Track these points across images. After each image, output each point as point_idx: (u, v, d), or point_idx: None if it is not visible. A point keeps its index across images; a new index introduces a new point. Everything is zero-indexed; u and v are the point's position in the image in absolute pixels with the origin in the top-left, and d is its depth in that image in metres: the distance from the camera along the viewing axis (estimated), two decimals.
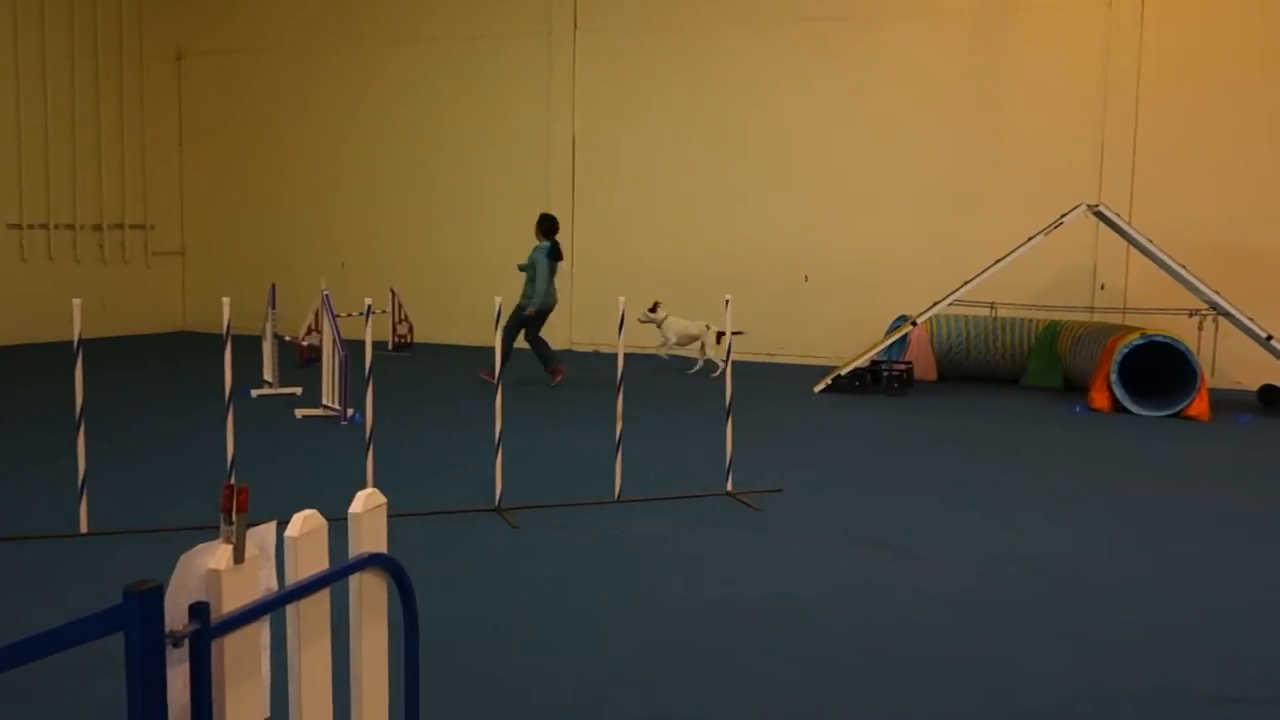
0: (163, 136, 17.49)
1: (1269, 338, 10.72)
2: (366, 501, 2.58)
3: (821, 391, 11.69)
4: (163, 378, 12.43)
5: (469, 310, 15.02)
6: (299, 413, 9.56)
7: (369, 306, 6.52)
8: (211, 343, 9.07)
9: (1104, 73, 13.14)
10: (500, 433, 6.45)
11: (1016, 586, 5.28)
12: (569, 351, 15.48)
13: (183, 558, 2.10)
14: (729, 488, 6.97)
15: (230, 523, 2.19)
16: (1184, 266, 11.04)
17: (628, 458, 6.86)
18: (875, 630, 4.64)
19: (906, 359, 12.39)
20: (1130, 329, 11.22)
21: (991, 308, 12.30)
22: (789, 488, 7.16)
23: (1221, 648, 4.52)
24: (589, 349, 15.43)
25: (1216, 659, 4.39)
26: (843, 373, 11.77)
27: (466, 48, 15.96)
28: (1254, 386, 11.91)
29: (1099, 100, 13.17)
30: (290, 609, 2.37)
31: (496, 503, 6.45)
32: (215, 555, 2.15)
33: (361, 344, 6.43)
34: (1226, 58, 12.76)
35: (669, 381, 12.43)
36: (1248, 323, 10.81)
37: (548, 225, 11.82)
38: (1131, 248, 11.93)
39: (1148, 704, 3.94)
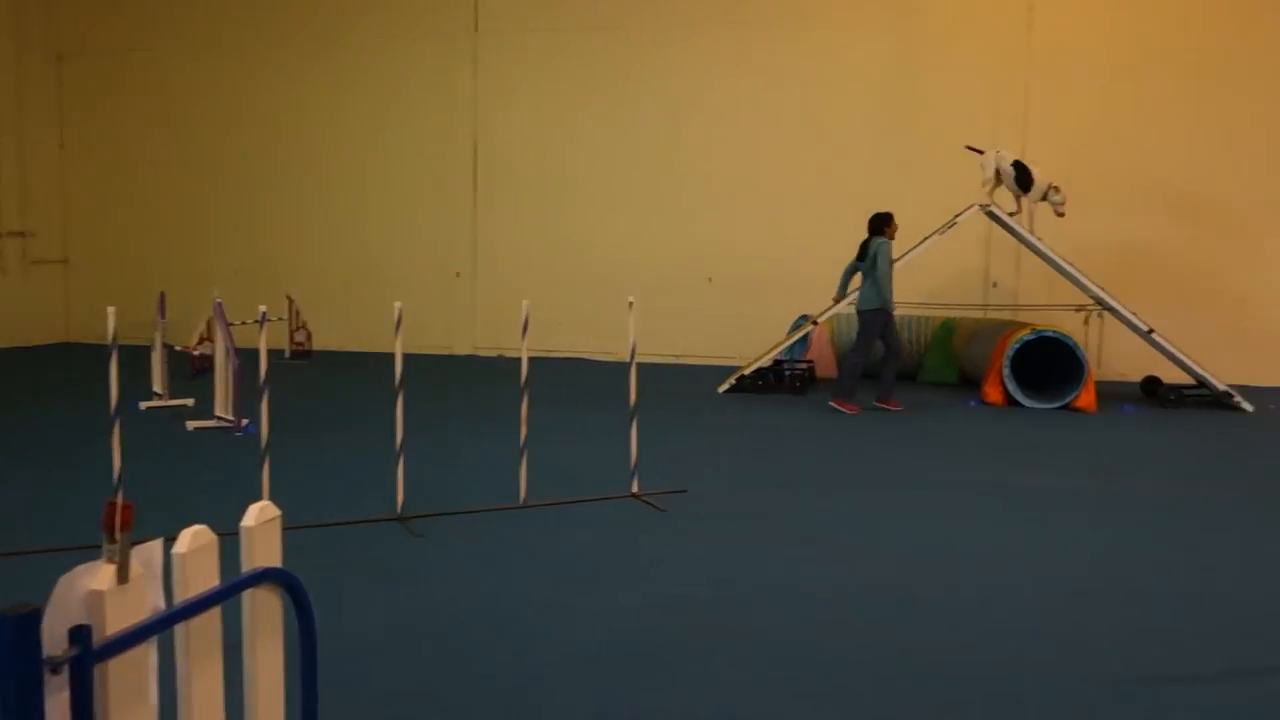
0: (43, 139, 16.84)
1: (1151, 331, 11.11)
2: (260, 514, 2.50)
3: (725, 392, 11.76)
4: (44, 391, 11.97)
5: (370, 316, 14.79)
6: (191, 424, 9.28)
7: (264, 314, 6.35)
8: (97, 354, 8.74)
9: (994, 81, 13.50)
10: (401, 440, 6.34)
11: (924, 578, 5.36)
12: (472, 357, 15.34)
13: (62, 579, 2.00)
14: (634, 490, 6.95)
15: (113, 541, 2.09)
16: (1071, 264, 11.37)
17: (533, 462, 6.80)
18: (783, 628, 4.66)
19: (808, 358, 12.55)
20: (1021, 325, 11.54)
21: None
22: (694, 488, 7.17)
23: (1130, 628, 4.65)
24: (493, 353, 15.31)
25: (1120, 643, 4.51)
26: (746, 373, 11.86)
27: (362, 47, 15.70)
28: (1137, 378, 12.35)
29: (991, 106, 13.52)
30: (179, 629, 2.27)
31: (398, 512, 6.34)
32: (97, 575, 2.05)
33: (256, 352, 6.26)
34: (1112, 66, 13.21)
35: (574, 384, 12.39)
36: (1131, 317, 11.20)
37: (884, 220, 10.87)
38: (1022, 246, 12.26)
39: (1067, 687, 4.02)
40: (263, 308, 6.48)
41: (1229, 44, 12.94)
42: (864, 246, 10.73)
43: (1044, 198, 11.20)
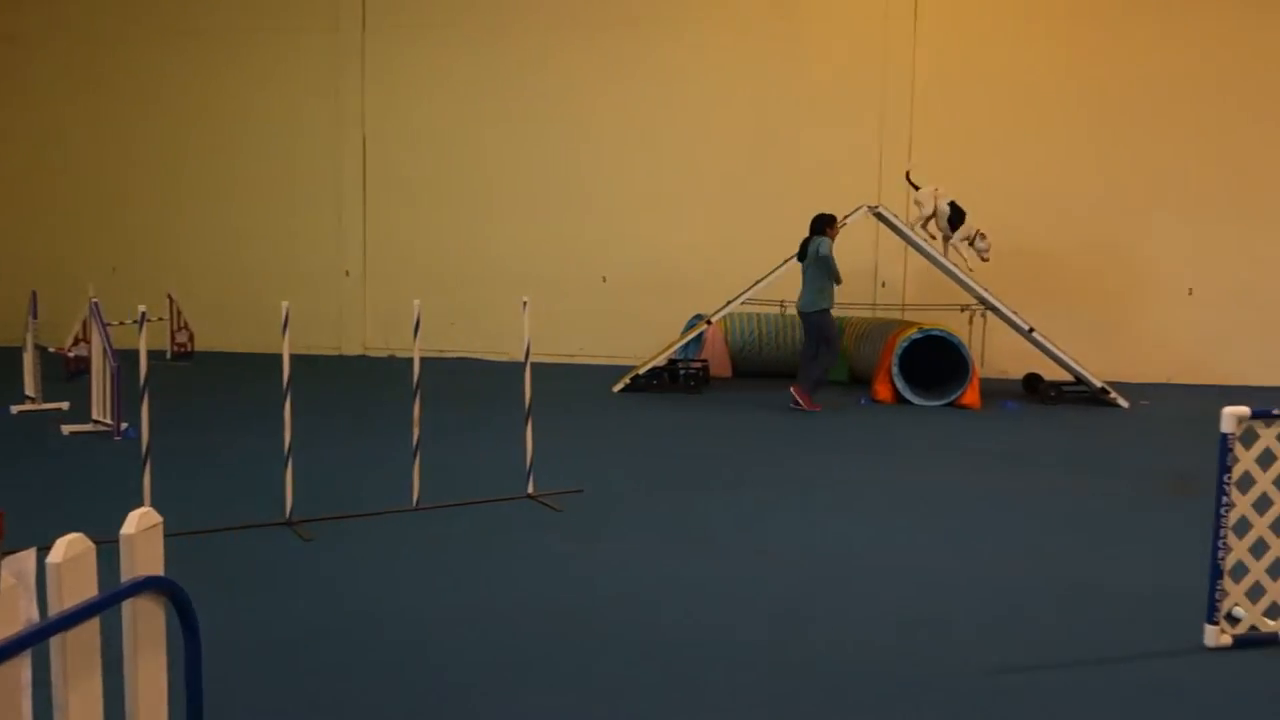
0: None
1: (1031, 330, 11.47)
2: (140, 521, 2.41)
3: (620, 391, 11.78)
4: None
5: (256, 316, 14.43)
6: (66, 429, 8.93)
7: (143, 314, 6.14)
8: None
9: (882, 82, 13.80)
10: (290, 443, 6.19)
11: (810, 574, 5.43)
12: (362, 357, 15.09)
13: None
14: (530, 490, 6.92)
15: None
16: (955, 265, 11.68)
17: (426, 464, 6.71)
18: (679, 625, 4.68)
19: (702, 357, 12.64)
20: (908, 324, 11.81)
21: (781, 306, 12.69)
22: (590, 488, 7.16)
23: (1007, 618, 4.78)
24: (384, 353, 15.07)
25: (990, 634, 4.64)
26: (641, 372, 11.90)
27: (247, 40, 15.31)
28: (1019, 375, 12.75)
29: (878, 108, 13.82)
30: (54, 642, 2.18)
31: (287, 516, 6.19)
32: None
33: (136, 354, 6.05)
34: (993, 72, 13.61)
35: (468, 385, 12.27)
36: (1013, 316, 11.55)
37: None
38: (909, 248, 12.54)
39: (945, 678, 4.12)
40: (142, 307, 6.26)
41: (1105, 57, 13.43)
42: (804, 245, 10.79)
43: (970, 242, 11.63)
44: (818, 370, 10.75)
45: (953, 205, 11.70)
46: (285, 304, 6.27)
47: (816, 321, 10.63)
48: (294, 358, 6.37)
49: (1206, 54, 13.23)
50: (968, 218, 11.64)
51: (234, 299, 15.24)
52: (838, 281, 10.58)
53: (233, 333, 15.04)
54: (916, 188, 11.89)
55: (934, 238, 11.83)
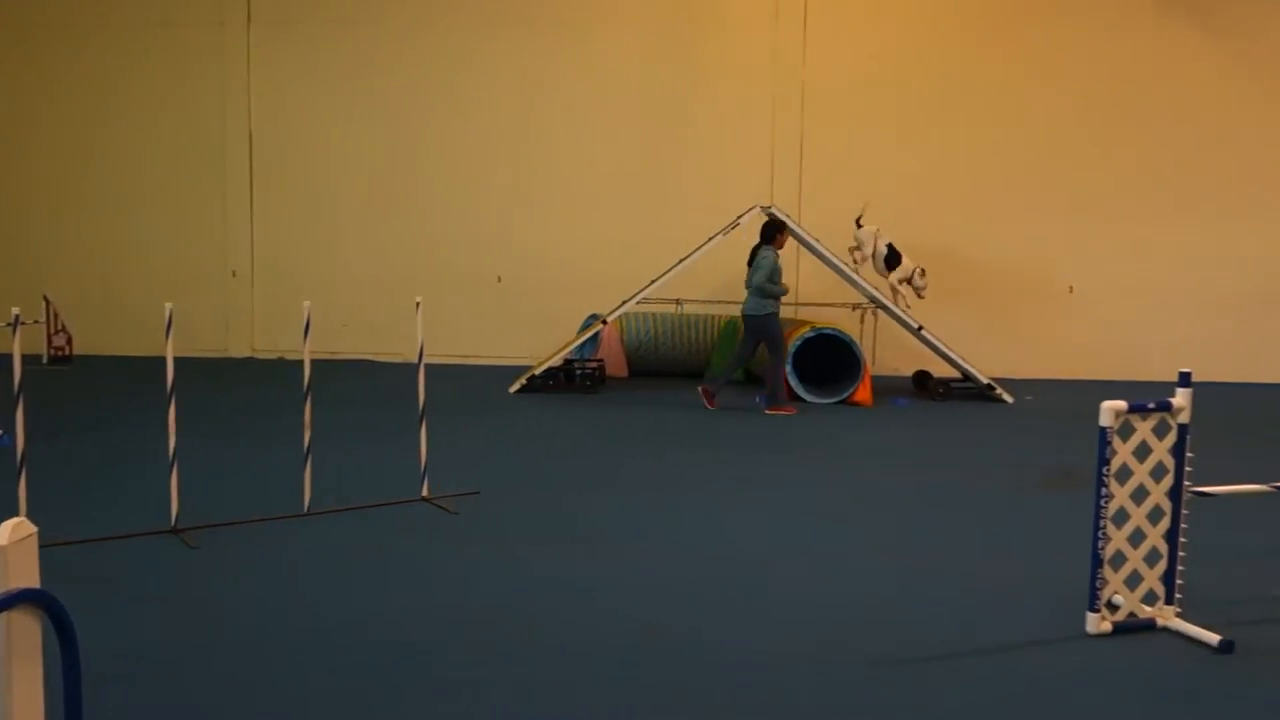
0: None
1: (920, 329, 11.75)
2: (14, 532, 2.30)
3: (517, 392, 11.72)
4: None
5: (139, 318, 14.00)
6: None
7: (17, 316, 5.90)
8: None
9: (772, 83, 13.98)
10: (174, 448, 6.00)
11: (698, 573, 5.47)
12: (250, 360, 14.72)
13: None
14: (425, 493, 6.83)
15: None
16: (847, 264, 11.90)
17: (318, 468, 6.58)
18: (578, 626, 4.67)
19: (598, 356, 12.65)
20: (802, 323, 11.99)
21: (677, 305, 12.77)
22: (486, 489, 7.10)
23: (881, 614, 4.88)
24: (273, 356, 14.73)
25: (876, 624, 4.74)
26: (537, 372, 11.85)
27: (127, 36, 14.80)
28: (909, 372, 13.05)
29: (768, 110, 14.00)
30: None
31: (173, 523, 6.00)
32: None
33: (9, 358, 5.80)
34: (881, 72, 13.89)
35: (361, 387, 12.07)
36: (903, 315, 11.81)
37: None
38: (802, 248, 12.73)
39: (830, 671, 4.19)
40: (16, 309, 6.01)
41: (987, 60, 13.81)
42: (753, 253, 10.83)
43: (909, 280, 12.09)
44: (773, 377, 10.73)
45: (890, 247, 12.13)
46: (169, 306, 6.08)
47: (760, 326, 10.63)
48: (178, 361, 6.19)
49: (1085, 58, 13.70)
50: (905, 259, 12.10)
51: (116, 301, 14.73)
52: (775, 296, 10.56)
53: (115, 336, 14.53)
54: (860, 227, 12.16)
55: (856, 264, 12.14)
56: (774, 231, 10.81)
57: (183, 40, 14.74)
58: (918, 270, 12.10)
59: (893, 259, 12.12)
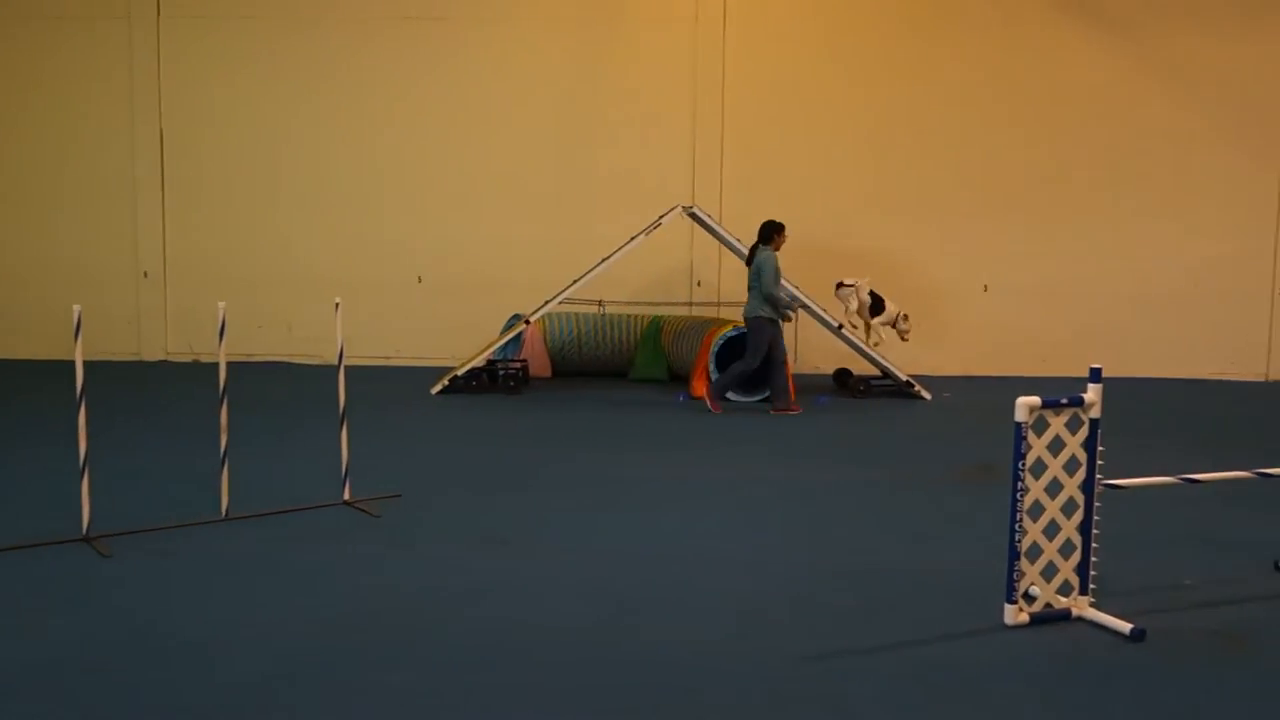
0: None
1: (840, 327, 11.90)
2: None
3: (439, 393, 11.61)
4: None
5: (43, 321, 13.59)
6: None
7: None
8: None
9: (693, 83, 14.03)
10: (85, 453, 5.83)
11: (618, 572, 5.48)
12: (164, 363, 14.37)
13: None
14: (346, 496, 6.73)
15: None
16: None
17: (237, 472, 6.44)
18: (503, 628, 4.64)
19: (521, 357, 12.57)
20: (724, 322, 12.06)
21: (600, 305, 12.76)
22: (408, 492, 7.03)
23: (802, 608, 4.94)
24: (188, 358, 14.40)
25: (798, 619, 4.79)
26: (459, 373, 11.75)
27: (29, 28, 14.34)
28: (830, 370, 13.20)
29: (689, 109, 14.05)
30: None
31: (84, 531, 5.83)
32: None
33: None
34: (800, 73, 14.02)
35: (280, 390, 11.86)
36: (823, 314, 11.94)
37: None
38: (723, 247, 12.80)
39: (749, 667, 4.22)
40: None
41: (903, 56, 14.03)
42: (752, 252, 10.80)
43: (893, 324, 12.38)
44: (733, 373, 10.72)
45: (873, 294, 12.37)
46: (77, 307, 5.90)
47: (755, 327, 10.65)
48: (88, 364, 6.01)
49: (994, 60, 13.98)
50: (889, 304, 12.33)
51: (21, 303, 14.26)
52: (769, 300, 10.53)
53: (20, 339, 14.08)
54: (840, 287, 12.38)
55: (855, 327, 12.32)
56: (772, 231, 10.82)
57: (87, 34, 14.32)
58: (900, 315, 12.38)
59: (877, 306, 12.41)
